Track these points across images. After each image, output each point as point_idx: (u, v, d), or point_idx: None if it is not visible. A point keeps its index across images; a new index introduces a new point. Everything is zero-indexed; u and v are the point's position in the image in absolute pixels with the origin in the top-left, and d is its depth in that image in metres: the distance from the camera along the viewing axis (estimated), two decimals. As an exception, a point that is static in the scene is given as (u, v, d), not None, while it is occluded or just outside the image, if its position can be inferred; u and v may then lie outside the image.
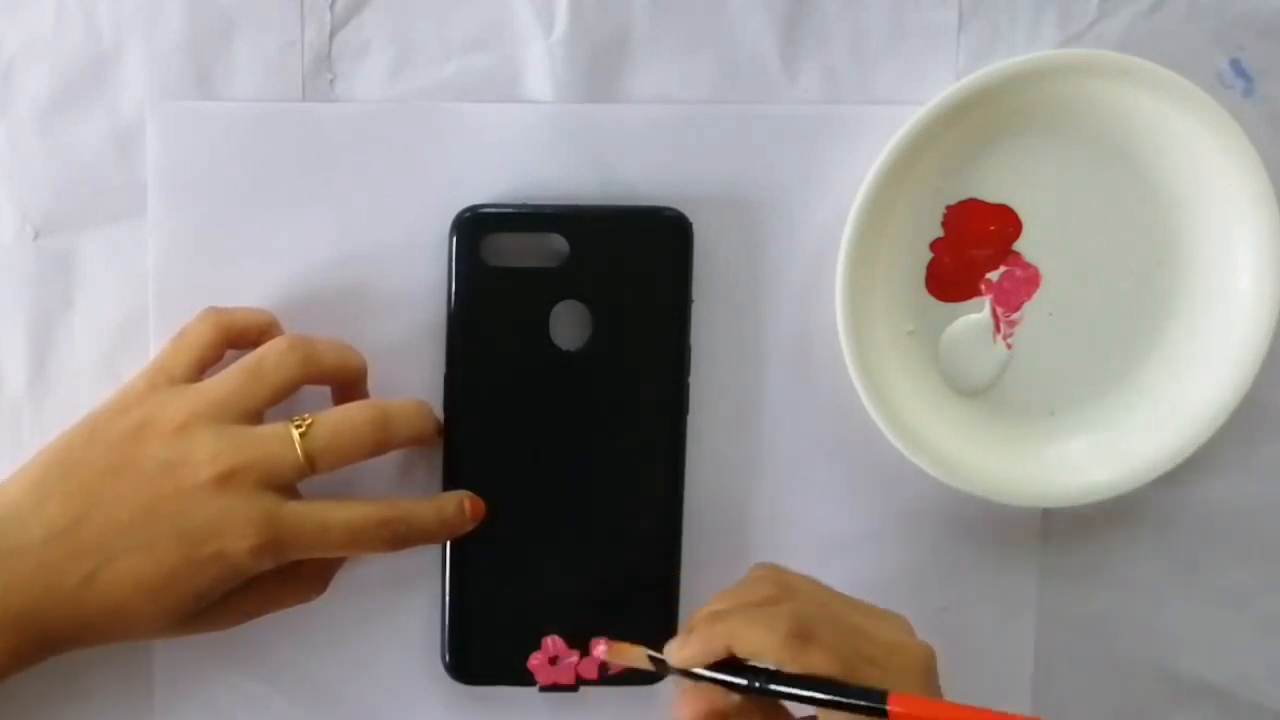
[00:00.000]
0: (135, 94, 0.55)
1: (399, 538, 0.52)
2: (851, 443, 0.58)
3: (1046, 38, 0.57)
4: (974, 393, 0.58)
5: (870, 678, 0.48)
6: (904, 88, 0.56)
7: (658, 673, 0.51)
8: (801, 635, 0.48)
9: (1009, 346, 0.57)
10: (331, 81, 0.56)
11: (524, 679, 0.56)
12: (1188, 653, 0.60)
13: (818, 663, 0.48)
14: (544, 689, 0.57)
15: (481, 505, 0.55)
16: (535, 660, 0.56)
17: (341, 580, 0.56)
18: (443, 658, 0.57)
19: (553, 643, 0.56)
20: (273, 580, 0.53)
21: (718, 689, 0.50)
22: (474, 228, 0.55)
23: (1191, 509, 0.59)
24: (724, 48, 0.56)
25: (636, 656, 0.52)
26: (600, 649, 0.52)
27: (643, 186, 0.56)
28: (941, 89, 0.54)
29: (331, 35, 0.56)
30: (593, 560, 0.56)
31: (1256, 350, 0.56)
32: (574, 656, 0.56)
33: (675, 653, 0.50)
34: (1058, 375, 0.58)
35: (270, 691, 0.58)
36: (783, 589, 0.51)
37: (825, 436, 0.58)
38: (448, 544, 0.56)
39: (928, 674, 0.49)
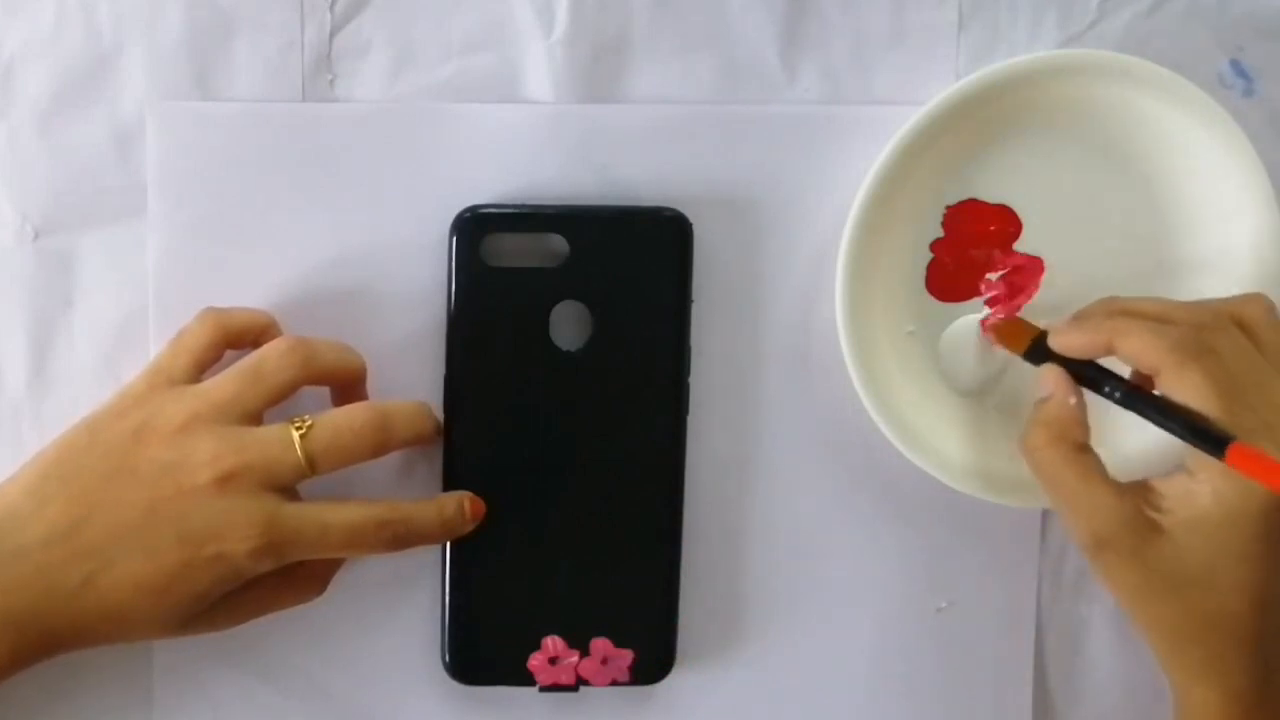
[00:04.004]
0: (135, 94, 0.55)
1: (399, 539, 0.52)
2: (851, 443, 0.57)
3: (1046, 38, 0.57)
4: (974, 393, 0.57)
5: (1246, 425, 0.45)
6: (904, 88, 0.56)
7: (1026, 354, 0.53)
8: (1186, 351, 0.47)
9: (1009, 346, 0.57)
10: (331, 81, 0.56)
11: (524, 679, 0.56)
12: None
13: (1189, 385, 0.46)
14: (544, 689, 0.57)
15: (481, 506, 0.55)
16: (535, 660, 0.56)
17: (341, 580, 0.56)
18: (443, 658, 0.57)
19: (553, 643, 0.56)
20: (273, 581, 0.53)
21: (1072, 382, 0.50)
22: (474, 228, 0.55)
23: (1191, 509, 0.59)
24: (724, 48, 0.56)
25: (1021, 332, 0.53)
26: (990, 322, 0.55)
27: (643, 186, 0.56)
28: (941, 89, 0.54)
29: (331, 35, 0.56)
30: (593, 560, 0.56)
31: (1256, 350, 0.56)
32: (574, 656, 0.56)
33: (1060, 335, 0.51)
34: (1058, 375, 0.57)
35: (270, 691, 0.58)
36: (1216, 321, 0.48)
37: (825, 436, 0.58)
38: (448, 544, 0.56)
39: None
